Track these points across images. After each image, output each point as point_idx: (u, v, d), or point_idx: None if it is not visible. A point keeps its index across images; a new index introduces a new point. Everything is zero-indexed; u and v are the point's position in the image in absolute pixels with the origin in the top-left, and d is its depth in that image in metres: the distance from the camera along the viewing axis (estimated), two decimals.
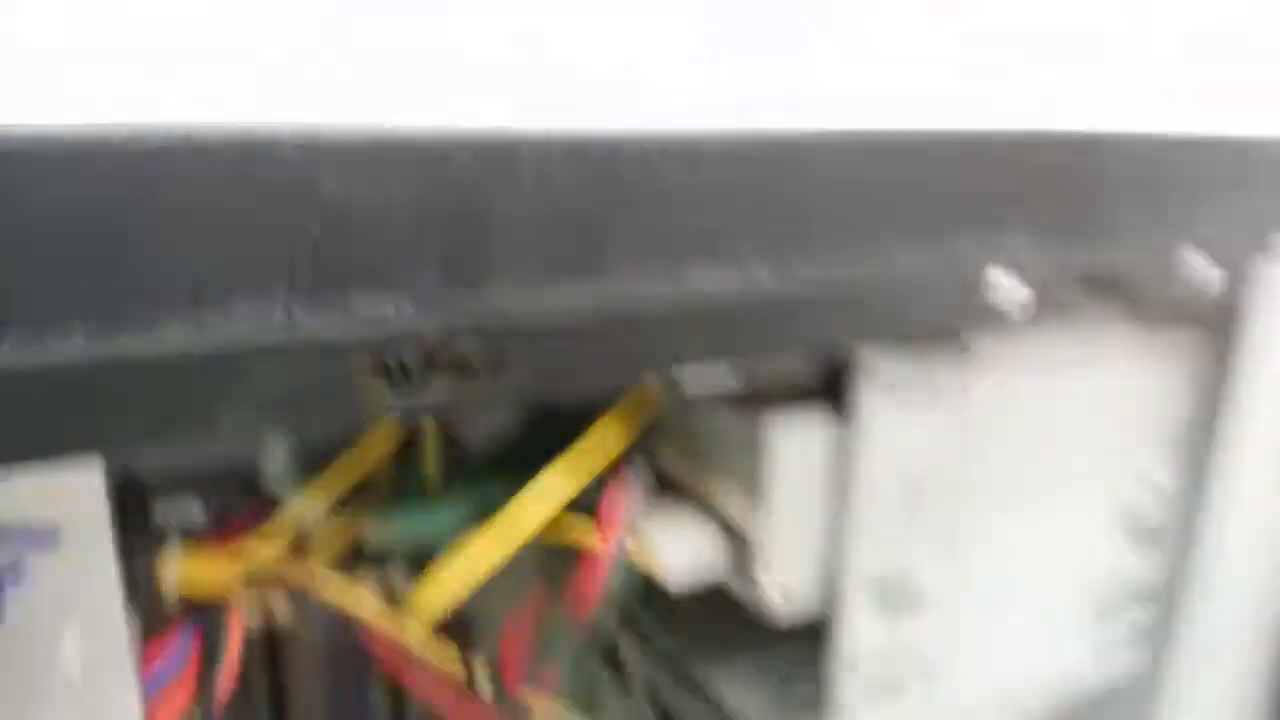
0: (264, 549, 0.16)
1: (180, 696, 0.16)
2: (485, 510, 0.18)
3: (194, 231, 0.10)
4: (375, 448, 0.18)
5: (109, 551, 0.12)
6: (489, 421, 0.21)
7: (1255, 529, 0.23)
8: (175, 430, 0.10)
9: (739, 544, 0.18)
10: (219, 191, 0.10)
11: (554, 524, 0.17)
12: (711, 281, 0.14)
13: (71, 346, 0.09)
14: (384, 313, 0.12)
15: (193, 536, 0.15)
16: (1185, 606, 0.23)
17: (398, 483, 0.20)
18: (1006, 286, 0.17)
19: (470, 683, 0.18)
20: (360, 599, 0.17)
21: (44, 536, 0.12)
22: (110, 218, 0.10)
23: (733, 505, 0.18)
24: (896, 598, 0.19)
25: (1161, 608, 0.24)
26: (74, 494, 0.12)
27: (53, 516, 0.12)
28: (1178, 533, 0.23)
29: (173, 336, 0.10)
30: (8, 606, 0.12)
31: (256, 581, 0.16)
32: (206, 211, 0.10)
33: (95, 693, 0.13)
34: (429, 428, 0.20)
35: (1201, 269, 0.20)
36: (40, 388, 0.09)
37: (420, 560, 0.18)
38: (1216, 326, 0.22)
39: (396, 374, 0.12)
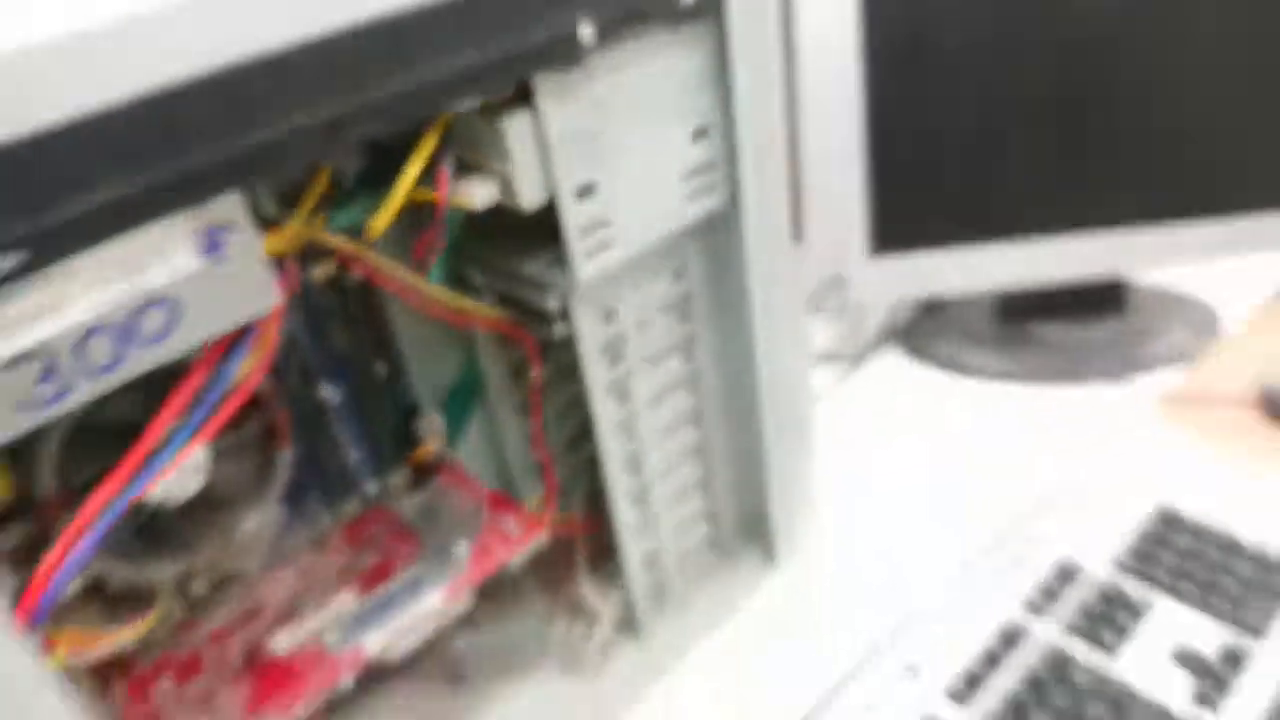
0: (296, 231, 0.35)
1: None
2: (381, 197, 0.37)
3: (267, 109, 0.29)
4: (317, 186, 0.37)
5: (253, 229, 0.31)
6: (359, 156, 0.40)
7: (760, 130, 0.46)
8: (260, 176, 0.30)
9: (504, 184, 0.39)
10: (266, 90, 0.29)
11: (415, 194, 0.37)
12: (446, 71, 0.33)
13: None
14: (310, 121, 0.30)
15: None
16: (733, 168, 0.46)
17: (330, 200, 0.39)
18: (588, 32, 0.37)
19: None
20: (361, 249, 0.37)
21: (230, 227, 0.31)
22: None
23: (496, 165, 0.38)
24: (585, 193, 0.41)
25: (723, 168, 0.46)
26: (236, 205, 0.31)
27: (230, 218, 0.31)
28: (723, 129, 0.45)
29: (259, 137, 0.29)
30: (229, 255, 0.31)
31: (302, 246, 0.35)
32: (269, 99, 0.29)
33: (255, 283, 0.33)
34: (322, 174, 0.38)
35: None
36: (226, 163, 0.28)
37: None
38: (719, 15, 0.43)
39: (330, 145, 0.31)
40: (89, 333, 0.29)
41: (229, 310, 0.32)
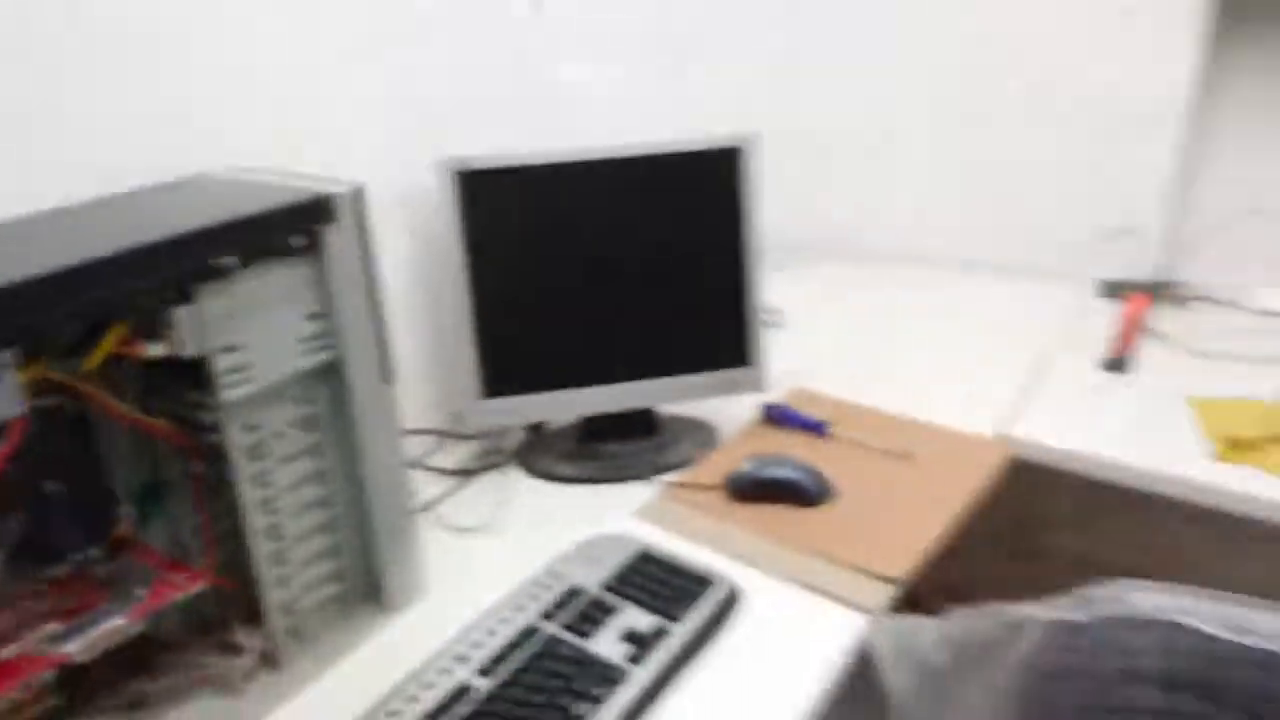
0: (36, 371, 0.60)
1: None
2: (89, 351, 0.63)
3: None
4: (57, 343, 0.62)
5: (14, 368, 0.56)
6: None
7: (352, 315, 0.76)
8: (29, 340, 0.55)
9: (172, 344, 0.66)
10: None
11: (115, 349, 0.63)
12: (148, 286, 0.61)
13: None
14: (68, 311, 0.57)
15: None
16: (338, 336, 0.76)
17: None
18: (233, 262, 0.65)
19: None
20: (78, 380, 0.62)
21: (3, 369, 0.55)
22: None
23: (169, 333, 0.65)
24: (229, 350, 0.68)
25: (332, 336, 0.76)
26: (7, 356, 0.55)
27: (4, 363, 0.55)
28: (330, 313, 0.75)
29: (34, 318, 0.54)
30: None
31: (38, 380, 0.60)
32: None
33: None
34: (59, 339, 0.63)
35: None
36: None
37: None
38: (319, 252, 0.73)
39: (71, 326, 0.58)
40: None
41: None
